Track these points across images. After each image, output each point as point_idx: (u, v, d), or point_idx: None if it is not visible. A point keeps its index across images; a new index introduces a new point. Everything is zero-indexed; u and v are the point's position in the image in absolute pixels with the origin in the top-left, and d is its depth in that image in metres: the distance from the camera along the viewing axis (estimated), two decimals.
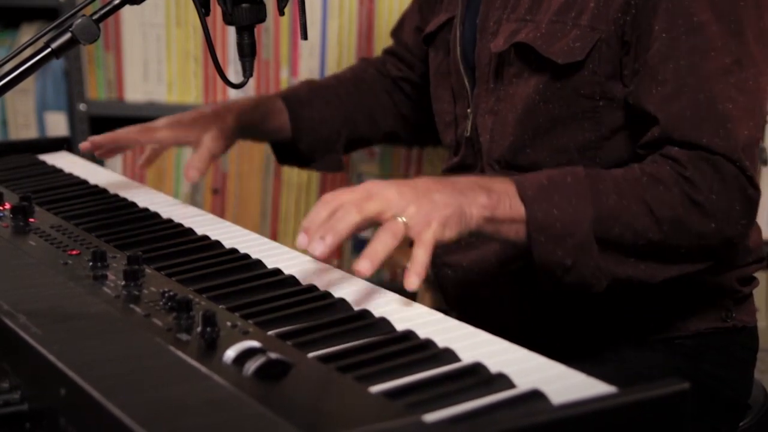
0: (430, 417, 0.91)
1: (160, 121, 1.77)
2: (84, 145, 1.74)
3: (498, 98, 1.58)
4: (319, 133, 1.91)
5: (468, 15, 1.66)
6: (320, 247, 1.23)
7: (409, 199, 1.27)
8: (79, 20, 1.38)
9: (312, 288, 1.28)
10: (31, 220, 1.52)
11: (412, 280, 1.22)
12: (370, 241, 1.24)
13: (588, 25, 1.48)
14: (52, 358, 1.02)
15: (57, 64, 2.87)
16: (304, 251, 1.30)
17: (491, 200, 1.34)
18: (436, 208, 1.28)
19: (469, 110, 1.64)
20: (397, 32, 1.98)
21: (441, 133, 1.75)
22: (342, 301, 1.23)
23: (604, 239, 1.39)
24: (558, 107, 1.51)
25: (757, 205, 1.45)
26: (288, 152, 1.94)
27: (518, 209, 1.37)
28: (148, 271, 1.29)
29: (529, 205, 1.37)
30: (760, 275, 1.69)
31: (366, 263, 1.21)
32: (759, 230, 1.65)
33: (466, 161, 1.66)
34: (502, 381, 1.00)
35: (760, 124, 1.46)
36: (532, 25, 1.52)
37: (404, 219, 1.26)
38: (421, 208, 1.27)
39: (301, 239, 1.26)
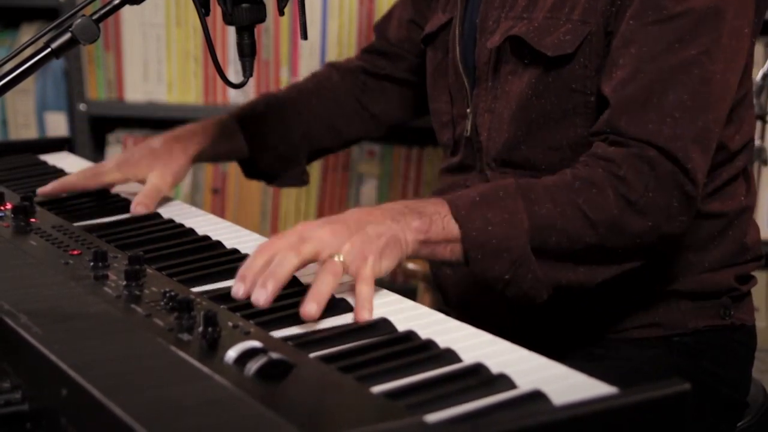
0: (432, 417, 0.91)
1: (109, 163, 1.75)
2: (37, 198, 1.69)
3: (495, 96, 1.59)
4: (277, 151, 1.89)
5: (467, 15, 1.66)
6: (264, 295, 1.21)
7: (343, 237, 1.27)
8: (79, 20, 1.37)
9: None
10: (32, 220, 1.52)
11: (364, 315, 1.21)
12: (312, 283, 1.22)
13: (579, 19, 1.48)
14: (53, 357, 1.02)
15: (57, 64, 2.87)
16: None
17: (423, 223, 1.34)
18: (369, 242, 1.28)
19: (468, 110, 1.64)
20: (381, 26, 1.95)
21: (437, 132, 1.75)
22: (343, 301, 1.23)
23: (541, 248, 1.39)
24: (550, 102, 1.52)
25: (695, 201, 1.43)
26: (251, 168, 1.93)
27: (452, 229, 1.36)
28: (149, 271, 1.30)
29: (464, 224, 1.36)
30: (759, 275, 1.69)
31: (313, 306, 1.20)
32: (757, 229, 1.65)
33: (466, 161, 1.67)
34: (503, 381, 1.00)
35: (720, 119, 1.44)
36: (527, 22, 1.53)
37: (341, 258, 1.26)
38: (354, 245, 1.27)
39: (236, 288, 1.23)
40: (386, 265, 1.29)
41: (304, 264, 1.25)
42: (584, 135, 1.52)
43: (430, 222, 1.35)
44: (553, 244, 1.39)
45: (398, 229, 1.32)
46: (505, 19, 1.57)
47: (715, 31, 1.42)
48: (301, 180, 1.96)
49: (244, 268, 1.25)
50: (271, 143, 1.88)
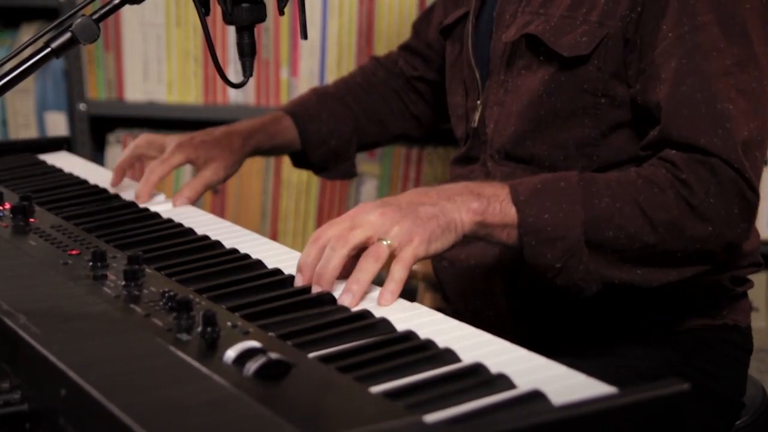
0: (431, 417, 0.91)
1: (170, 142, 1.77)
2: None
3: (506, 90, 1.59)
4: (329, 145, 1.94)
5: (484, 8, 1.67)
6: (326, 288, 1.26)
7: (393, 220, 1.29)
8: (79, 20, 1.37)
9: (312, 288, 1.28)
10: (31, 220, 1.52)
11: (386, 298, 1.24)
12: (353, 271, 1.26)
13: (597, 21, 1.49)
14: (52, 358, 1.02)
15: (57, 64, 2.87)
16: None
17: (481, 204, 1.36)
18: (419, 224, 1.30)
19: (478, 102, 1.65)
20: (420, 25, 1.99)
21: (454, 126, 1.76)
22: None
23: (596, 242, 1.39)
24: (560, 101, 1.52)
25: (756, 208, 1.44)
26: (301, 160, 1.97)
27: (509, 213, 1.38)
28: (148, 271, 1.29)
29: (521, 209, 1.38)
30: (759, 276, 1.69)
31: (347, 296, 1.24)
32: (757, 235, 1.65)
33: (472, 153, 1.68)
34: (502, 381, 1.00)
35: (763, 127, 1.45)
36: (543, 18, 1.54)
37: (388, 241, 1.28)
38: (403, 227, 1.29)
39: (297, 279, 1.30)
40: (435, 246, 1.31)
41: (353, 252, 1.28)
42: (591, 135, 1.53)
43: (488, 203, 1.36)
44: (610, 239, 1.39)
45: (453, 209, 1.33)
46: (521, 13, 1.57)
47: (745, 38, 1.43)
48: (351, 173, 2.02)
49: (301, 261, 1.29)
50: (324, 138, 1.93)
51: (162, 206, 1.68)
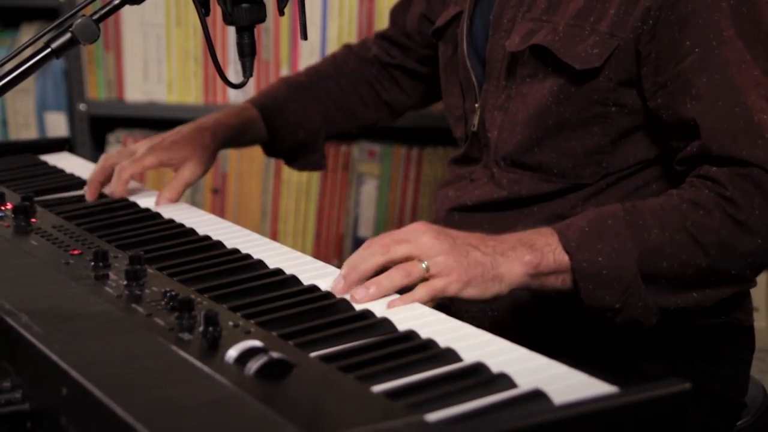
0: (432, 417, 0.91)
1: (140, 148, 1.76)
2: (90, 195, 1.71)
3: (509, 96, 1.58)
4: (297, 137, 1.94)
5: (478, 10, 1.66)
6: (339, 285, 1.27)
7: (442, 250, 1.29)
8: (79, 20, 1.37)
9: (314, 288, 1.28)
10: (33, 220, 1.52)
11: (395, 303, 1.25)
12: (382, 273, 1.27)
13: (607, 31, 1.48)
14: (53, 357, 1.02)
15: (57, 64, 2.87)
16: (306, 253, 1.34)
17: (535, 257, 1.36)
18: (464, 264, 1.30)
19: (476, 105, 1.64)
20: (397, 14, 1.98)
21: (452, 126, 1.75)
22: (344, 301, 1.24)
23: (652, 274, 1.40)
24: (570, 111, 1.52)
25: None
26: (272, 149, 1.97)
27: (562, 260, 1.38)
28: (149, 271, 1.30)
29: (574, 255, 1.38)
30: (760, 276, 1.68)
31: (362, 292, 1.25)
32: None
33: (471, 154, 1.67)
34: (503, 381, 1.00)
35: None
36: (549, 27, 1.52)
37: (427, 264, 1.28)
38: (448, 260, 1.29)
39: (338, 282, 1.28)
40: (470, 292, 1.31)
41: (389, 263, 1.28)
42: (600, 143, 1.52)
43: (542, 255, 1.37)
44: (664, 269, 1.40)
45: (504, 263, 1.33)
46: (522, 19, 1.56)
47: (765, 47, 1.44)
48: (320, 164, 2.02)
49: (347, 262, 1.29)
50: (291, 129, 1.93)
51: (163, 207, 1.68)
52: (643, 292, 1.40)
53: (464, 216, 1.63)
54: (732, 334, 1.63)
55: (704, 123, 1.43)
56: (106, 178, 1.72)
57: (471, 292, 1.31)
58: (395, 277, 1.26)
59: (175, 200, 1.71)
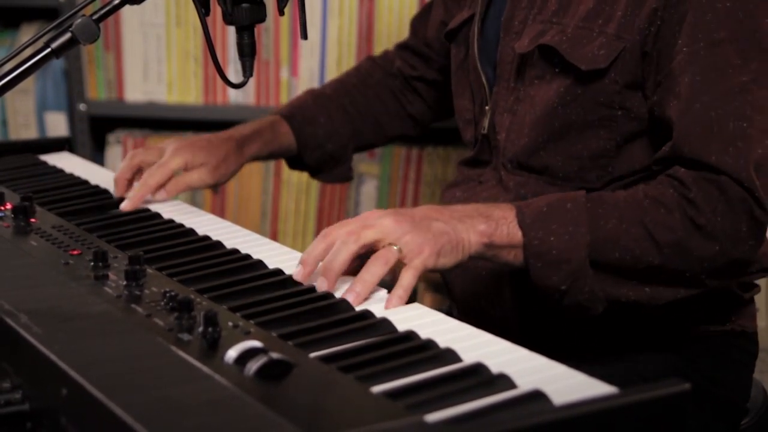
0: (432, 417, 0.91)
1: (169, 147, 1.74)
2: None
3: (517, 98, 1.58)
4: (325, 149, 1.93)
5: (490, 12, 1.66)
6: (325, 285, 1.28)
7: (405, 229, 1.31)
8: (79, 20, 1.37)
9: (313, 288, 1.28)
10: (33, 220, 1.52)
11: (393, 303, 1.26)
12: (361, 270, 1.28)
13: (614, 33, 1.47)
14: (53, 357, 1.02)
15: (57, 64, 2.87)
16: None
17: (489, 227, 1.38)
18: (430, 237, 1.32)
19: (487, 107, 1.64)
20: (418, 23, 1.97)
21: (461, 130, 1.75)
22: (343, 301, 1.24)
23: (602, 263, 1.40)
24: (576, 113, 1.52)
25: (765, 226, 1.43)
26: (297, 162, 1.96)
27: (516, 235, 1.40)
28: (149, 271, 1.30)
29: (527, 232, 1.39)
30: (761, 281, 1.68)
31: (352, 295, 1.25)
32: (766, 241, 1.63)
33: (481, 157, 1.67)
34: (503, 381, 1.00)
35: None
36: (558, 28, 1.52)
37: (398, 247, 1.30)
38: (415, 237, 1.31)
39: (297, 271, 1.31)
40: (443, 261, 1.34)
41: (362, 250, 1.30)
42: (605, 147, 1.52)
43: (496, 226, 1.38)
44: (615, 260, 1.40)
45: (462, 230, 1.36)
46: (533, 21, 1.56)
47: (764, 54, 1.42)
48: (348, 176, 2.01)
49: (306, 253, 1.31)
50: (320, 141, 1.92)
51: (163, 207, 1.68)
52: (590, 279, 1.40)
53: None
54: (736, 339, 1.62)
55: (679, 124, 1.42)
56: (134, 175, 1.72)
57: (443, 261, 1.34)
58: (375, 268, 1.27)
59: (168, 197, 1.69)
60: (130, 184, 1.71)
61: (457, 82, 1.75)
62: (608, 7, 1.49)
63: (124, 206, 1.65)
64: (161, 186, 1.69)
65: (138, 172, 1.72)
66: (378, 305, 1.24)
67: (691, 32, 1.43)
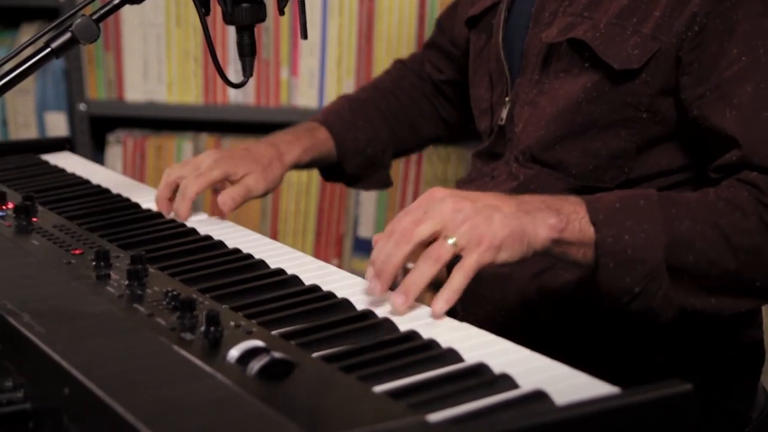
0: (434, 417, 0.91)
1: (206, 159, 1.66)
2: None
3: (540, 91, 1.55)
4: (365, 154, 1.88)
5: (516, 1, 1.63)
6: (377, 289, 1.24)
7: (466, 216, 1.23)
8: (79, 20, 1.38)
9: (315, 288, 1.28)
10: (34, 219, 1.52)
11: (439, 306, 1.20)
12: (411, 269, 1.22)
13: (650, 34, 1.44)
14: (55, 356, 1.02)
15: (57, 64, 2.88)
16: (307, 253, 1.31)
17: (560, 221, 1.29)
18: (491, 229, 1.23)
19: (507, 98, 1.61)
20: (446, 21, 1.93)
21: (477, 119, 1.72)
22: (345, 301, 1.24)
23: (677, 267, 1.33)
24: (600, 110, 1.48)
25: None
26: (333, 172, 1.91)
27: (587, 231, 1.31)
28: (151, 270, 1.30)
29: (600, 228, 1.31)
30: None
31: (401, 298, 1.20)
32: None
33: (495, 149, 1.63)
34: (505, 381, 1.00)
35: None
36: (589, 23, 1.49)
37: (454, 239, 1.22)
38: (475, 228, 1.23)
39: (374, 285, 1.24)
40: (503, 256, 1.24)
41: (416, 249, 1.23)
42: (625, 148, 1.48)
43: (567, 221, 1.30)
44: (690, 264, 1.33)
45: (529, 223, 1.26)
46: (563, 14, 1.53)
47: None
48: (388, 182, 1.96)
49: (372, 254, 1.26)
50: (361, 147, 1.87)
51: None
52: (666, 281, 1.32)
53: None
54: (742, 348, 1.60)
55: (746, 133, 1.38)
56: (173, 192, 1.64)
57: (504, 256, 1.24)
58: (426, 269, 1.21)
59: (238, 204, 1.63)
60: (170, 203, 1.64)
61: (475, 71, 1.71)
62: (644, 6, 1.45)
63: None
64: (198, 194, 1.61)
65: (176, 189, 1.64)
66: (380, 305, 1.23)
67: (747, 41, 1.39)
